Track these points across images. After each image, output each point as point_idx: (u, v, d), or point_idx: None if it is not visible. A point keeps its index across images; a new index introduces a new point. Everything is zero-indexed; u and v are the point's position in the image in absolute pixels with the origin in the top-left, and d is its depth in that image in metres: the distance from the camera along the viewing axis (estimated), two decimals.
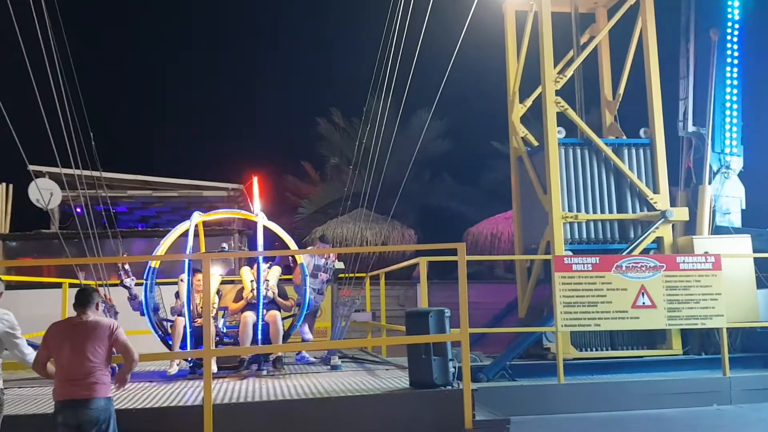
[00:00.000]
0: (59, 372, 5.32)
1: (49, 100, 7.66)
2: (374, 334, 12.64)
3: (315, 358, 9.92)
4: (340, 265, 10.23)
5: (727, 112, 11.80)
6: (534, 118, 14.97)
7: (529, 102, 12.14)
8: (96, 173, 9.02)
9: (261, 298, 8.70)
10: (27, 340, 5.73)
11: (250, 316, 8.67)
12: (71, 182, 9.12)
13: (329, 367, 9.17)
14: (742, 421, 8.40)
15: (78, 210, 10.06)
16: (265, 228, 9.42)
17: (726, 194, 11.63)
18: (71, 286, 10.30)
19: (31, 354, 5.59)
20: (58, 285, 10.81)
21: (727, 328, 9.57)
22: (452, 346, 7.20)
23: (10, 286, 6.60)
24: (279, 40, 38.55)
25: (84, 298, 5.38)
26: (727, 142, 11.77)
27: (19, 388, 7.75)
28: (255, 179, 10.94)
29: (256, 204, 10.60)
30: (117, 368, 6.10)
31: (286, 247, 9.76)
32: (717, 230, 11.36)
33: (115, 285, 9.19)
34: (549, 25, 10.98)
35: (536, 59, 11.24)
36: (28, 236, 15.43)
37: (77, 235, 8.91)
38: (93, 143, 8.53)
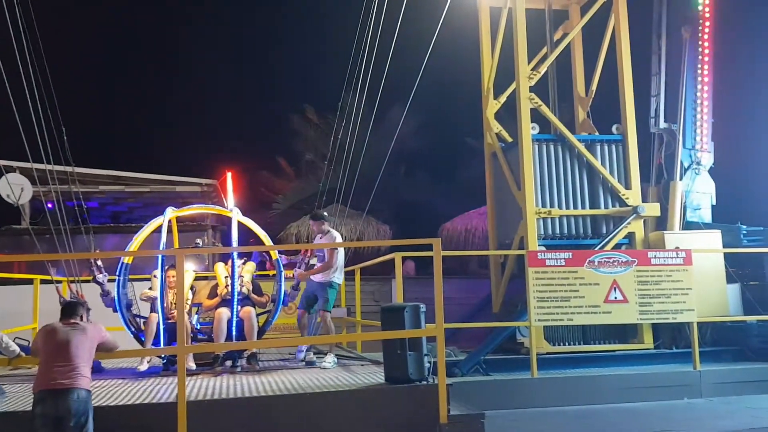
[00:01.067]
0: (42, 365, 5.45)
1: (20, 95, 7.55)
2: (349, 329, 12.64)
3: (290, 354, 9.89)
4: (315, 261, 10.22)
5: (698, 109, 11.97)
6: (508, 115, 15.02)
7: (503, 98, 12.20)
8: (68, 168, 8.90)
9: (235, 294, 8.65)
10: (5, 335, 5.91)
11: (224, 313, 8.62)
12: (42, 177, 9.00)
13: (304, 362, 9.17)
14: (712, 413, 8.54)
15: (49, 205, 9.91)
16: (240, 224, 9.36)
17: (697, 190, 11.80)
18: (43, 282, 10.17)
19: (6, 337, 5.85)
20: (29, 281, 10.66)
21: (698, 323, 9.71)
22: (427, 341, 7.23)
23: None
24: (253, 36, 38.27)
25: (71, 310, 5.76)
26: (698, 138, 11.94)
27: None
28: (229, 175, 10.90)
29: (230, 199, 10.56)
30: (100, 363, 6.19)
31: (260, 243, 9.71)
32: (688, 226, 11.53)
33: (88, 281, 9.09)
34: (523, 22, 11.04)
35: (510, 55, 11.30)
36: None
37: (49, 231, 8.80)
38: (65, 138, 8.42)
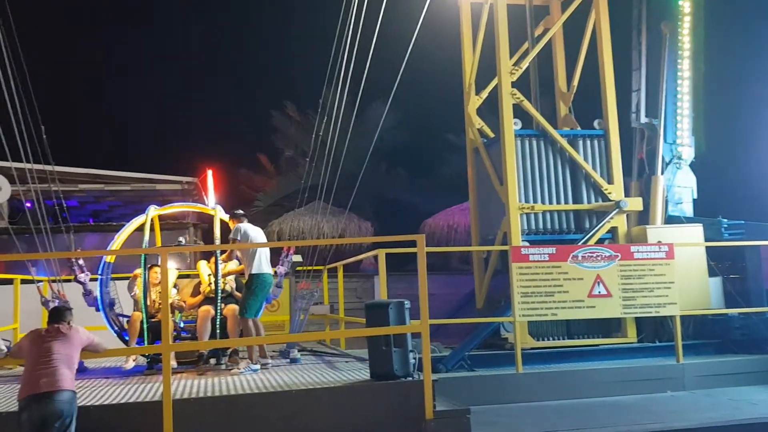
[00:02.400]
0: (27, 371, 5.50)
1: None
2: (332, 326, 12.62)
3: (275, 351, 9.83)
4: (297, 258, 10.18)
5: (679, 104, 12.05)
6: (490, 110, 15.06)
7: (485, 94, 12.21)
8: (48, 167, 8.79)
9: (219, 292, 8.59)
10: None
11: (208, 311, 8.57)
12: (21, 176, 8.87)
13: (289, 360, 9.13)
14: (695, 406, 8.61)
15: (28, 204, 9.78)
16: (222, 222, 9.30)
17: (678, 184, 11.89)
18: (23, 282, 10.04)
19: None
20: (9, 281, 10.52)
21: (680, 316, 9.78)
22: (412, 338, 7.23)
23: None
24: (232, 32, 38.03)
25: (57, 315, 5.86)
26: (679, 133, 12.02)
27: None
28: (209, 172, 10.83)
29: (211, 197, 10.51)
30: (83, 363, 6.22)
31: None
32: (669, 220, 11.60)
33: (69, 281, 8.99)
34: (504, 17, 11.05)
35: (492, 51, 11.31)
36: None
37: (28, 230, 8.68)
38: (44, 136, 8.31)
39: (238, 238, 8.45)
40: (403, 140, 23.11)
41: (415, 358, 7.11)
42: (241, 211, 9.10)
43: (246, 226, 8.65)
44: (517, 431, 7.44)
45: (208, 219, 10.07)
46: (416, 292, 6.99)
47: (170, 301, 8.31)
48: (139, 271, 8.73)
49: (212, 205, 9.67)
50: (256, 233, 8.71)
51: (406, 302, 7.23)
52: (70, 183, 16.73)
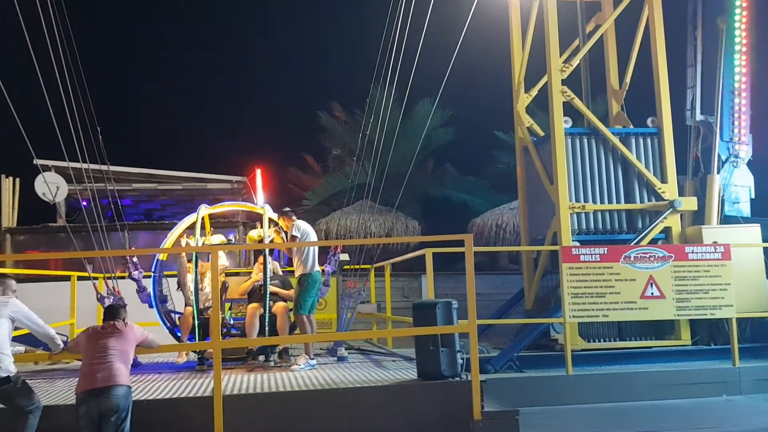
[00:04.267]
0: (84, 366, 5.67)
1: (56, 95, 7.65)
2: (379, 325, 12.64)
3: (322, 349, 9.91)
4: (345, 256, 10.23)
5: (736, 101, 11.71)
6: (539, 108, 14.90)
7: (534, 92, 12.07)
8: (103, 167, 9.02)
9: (267, 289, 8.69)
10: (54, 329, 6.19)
11: (256, 308, 8.67)
12: (77, 176, 9.12)
13: (336, 358, 9.18)
14: (752, 411, 8.38)
15: (84, 203, 10.05)
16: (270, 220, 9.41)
17: (735, 183, 11.55)
18: (79, 278, 10.33)
19: (53, 331, 6.08)
20: (66, 278, 10.83)
21: (737, 318, 9.53)
22: (459, 338, 7.19)
23: (19, 279, 6.64)
24: (279, 33, 38.41)
25: (113, 312, 6.06)
26: (736, 130, 11.69)
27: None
28: (258, 171, 10.95)
29: (260, 196, 10.63)
30: (137, 359, 6.42)
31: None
32: (726, 220, 11.30)
33: (123, 278, 9.22)
34: (554, 14, 10.90)
35: (542, 48, 11.17)
36: (36, 230, 15.45)
37: (84, 228, 8.92)
38: (100, 137, 8.53)
39: (298, 235, 8.55)
40: (451, 138, 22.95)
41: (462, 359, 7.07)
42: (289, 209, 9.18)
43: (305, 225, 8.77)
44: None
45: (257, 218, 10.19)
46: (464, 291, 6.96)
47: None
48: (191, 238, 8.88)
49: (261, 203, 9.77)
50: (312, 232, 8.87)
51: (453, 302, 7.19)
52: (125, 182, 17.14)
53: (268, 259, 8.84)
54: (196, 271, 8.70)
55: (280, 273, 9.59)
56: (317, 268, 8.67)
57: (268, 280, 8.69)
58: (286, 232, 8.93)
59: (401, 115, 11.91)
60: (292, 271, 8.86)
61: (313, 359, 8.36)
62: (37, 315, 5.99)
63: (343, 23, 31.41)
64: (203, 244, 8.97)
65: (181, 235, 9.27)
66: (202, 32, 38.06)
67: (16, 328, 5.91)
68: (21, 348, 6.21)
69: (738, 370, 9.34)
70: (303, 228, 8.64)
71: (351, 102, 22.66)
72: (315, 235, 9.00)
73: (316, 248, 8.83)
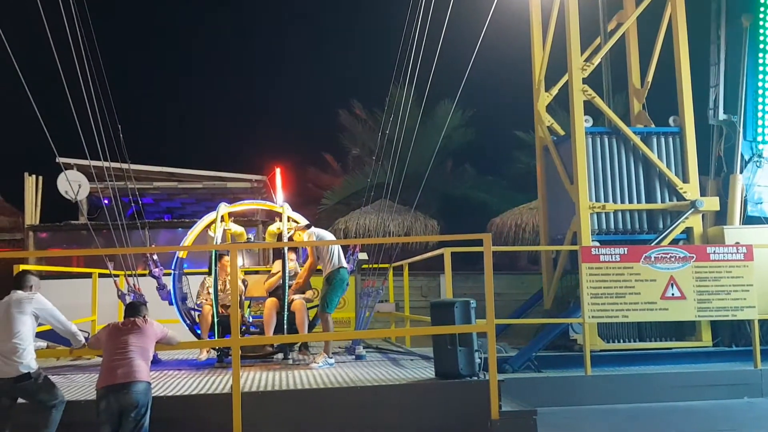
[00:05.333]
0: (104, 362, 5.73)
1: (77, 93, 7.73)
2: (397, 324, 12.64)
3: (341, 348, 9.93)
4: (363, 255, 10.23)
5: (760, 99, 11.57)
6: (560, 107, 14.82)
7: (554, 90, 11.99)
8: (124, 165, 9.11)
9: (286, 288, 8.71)
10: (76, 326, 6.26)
11: (274, 303, 8.68)
12: (99, 174, 9.22)
13: (354, 356, 9.19)
14: None
15: (106, 201, 10.16)
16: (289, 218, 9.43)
17: (758, 183, 11.40)
18: (101, 276, 10.43)
19: (75, 327, 6.15)
20: (88, 275, 10.95)
21: (759, 320, 9.41)
22: (477, 337, 7.17)
23: (41, 276, 6.71)
24: (300, 32, 38.54)
25: (133, 309, 6.15)
26: (759, 130, 11.54)
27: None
28: (278, 170, 10.98)
29: (279, 195, 10.66)
30: (157, 355, 6.47)
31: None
32: (748, 220, 11.17)
33: (144, 275, 9.29)
34: (576, 11, 10.82)
35: (562, 47, 11.10)
36: (58, 227, 15.63)
37: (105, 226, 9.01)
38: (121, 136, 8.61)
39: (314, 238, 8.66)
40: (471, 137, 22.90)
41: (480, 358, 7.05)
42: (306, 223, 9.17)
43: (318, 230, 8.91)
44: None
45: (277, 217, 10.22)
46: (483, 291, 6.93)
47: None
48: (226, 259, 8.87)
49: (280, 202, 9.79)
50: (329, 235, 8.96)
51: (471, 301, 7.17)
52: (146, 181, 17.25)
53: (287, 257, 8.86)
54: (215, 269, 8.75)
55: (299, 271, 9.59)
56: (344, 264, 8.71)
57: (287, 278, 8.71)
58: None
59: (420, 115, 11.88)
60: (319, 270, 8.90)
61: (331, 358, 8.39)
62: (59, 311, 6.05)
63: (364, 20, 31.43)
64: (223, 231, 9.02)
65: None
66: (224, 31, 38.32)
67: (39, 324, 5.98)
68: (43, 344, 6.28)
69: (759, 372, 9.22)
70: (317, 233, 8.79)
71: (371, 100, 22.70)
72: (332, 237, 9.09)
73: (339, 246, 8.89)
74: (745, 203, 11.26)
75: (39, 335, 6.01)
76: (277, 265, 9.34)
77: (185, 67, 36.09)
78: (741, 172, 11.35)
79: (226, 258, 8.84)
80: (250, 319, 9.28)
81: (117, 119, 8.60)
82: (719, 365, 9.69)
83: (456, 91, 10.28)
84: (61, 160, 9.03)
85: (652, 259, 9.32)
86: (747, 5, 11.66)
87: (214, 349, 8.89)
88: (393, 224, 18.24)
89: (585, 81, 10.83)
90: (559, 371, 9.38)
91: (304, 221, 9.62)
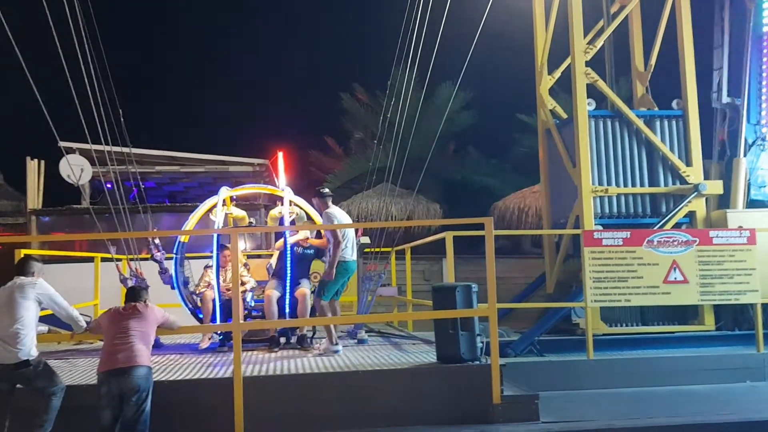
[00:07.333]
0: (105, 347, 5.78)
1: (78, 77, 7.70)
2: (400, 308, 12.66)
3: (342, 332, 9.94)
4: (365, 239, 10.23)
5: (764, 83, 11.46)
6: (563, 90, 14.71)
7: (557, 73, 11.92)
8: (125, 149, 9.09)
9: (289, 274, 8.70)
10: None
11: (274, 293, 8.64)
12: (101, 158, 9.20)
13: (356, 341, 9.21)
14: None
15: (108, 185, 10.15)
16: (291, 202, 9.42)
17: (762, 167, 11.34)
18: (103, 260, 10.45)
19: (76, 312, 6.14)
20: (90, 259, 10.96)
21: (762, 304, 9.39)
22: (479, 321, 7.17)
23: (44, 260, 6.72)
24: (302, 15, 38.30)
25: (134, 294, 6.18)
26: (763, 113, 11.46)
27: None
28: (280, 154, 10.94)
29: (281, 179, 10.62)
30: (159, 339, 6.49)
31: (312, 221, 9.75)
32: (752, 204, 11.12)
33: (146, 259, 9.31)
34: None
35: (565, 29, 11.02)
36: (60, 211, 15.63)
37: (108, 210, 9.01)
38: (122, 119, 8.58)
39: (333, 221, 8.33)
40: (473, 121, 22.79)
41: (482, 342, 7.06)
42: (327, 191, 8.75)
43: (338, 213, 8.49)
44: (587, 418, 7.29)
45: (280, 200, 10.21)
46: (485, 275, 6.93)
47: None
48: (227, 253, 8.84)
49: (282, 186, 9.78)
50: (346, 219, 8.65)
51: (473, 285, 7.17)
52: (148, 165, 17.23)
53: (288, 241, 8.84)
54: (217, 254, 8.74)
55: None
56: (354, 257, 8.53)
57: (291, 260, 8.70)
58: (320, 212, 8.77)
59: (422, 98, 11.82)
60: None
61: (337, 344, 8.23)
62: (61, 295, 6.05)
63: (366, 2, 31.22)
64: (225, 215, 9.00)
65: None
66: (225, 15, 38.11)
67: (42, 309, 5.99)
68: (44, 328, 6.28)
69: (762, 356, 9.21)
70: (338, 218, 8.36)
71: (374, 83, 22.56)
72: (349, 221, 8.88)
73: (353, 236, 8.63)
74: (748, 187, 11.20)
75: (41, 320, 6.00)
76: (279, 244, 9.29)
77: (187, 51, 35.92)
78: (744, 155, 11.29)
79: (227, 252, 8.81)
80: (252, 304, 9.29)
81: (118, 103, 8.56)
82: (722, 349, 9.67)
83: (458, 74, 10.22)
84: (62, 144, 9.02)
85: (655, 243, 9.29)
86: None
87: (216, 333, 8.92)
88: (395, 208, 18.20)
89: (588, 64, 10.76)
90: (561, 355, 9.38)
91: (306, 205, 9.61)
